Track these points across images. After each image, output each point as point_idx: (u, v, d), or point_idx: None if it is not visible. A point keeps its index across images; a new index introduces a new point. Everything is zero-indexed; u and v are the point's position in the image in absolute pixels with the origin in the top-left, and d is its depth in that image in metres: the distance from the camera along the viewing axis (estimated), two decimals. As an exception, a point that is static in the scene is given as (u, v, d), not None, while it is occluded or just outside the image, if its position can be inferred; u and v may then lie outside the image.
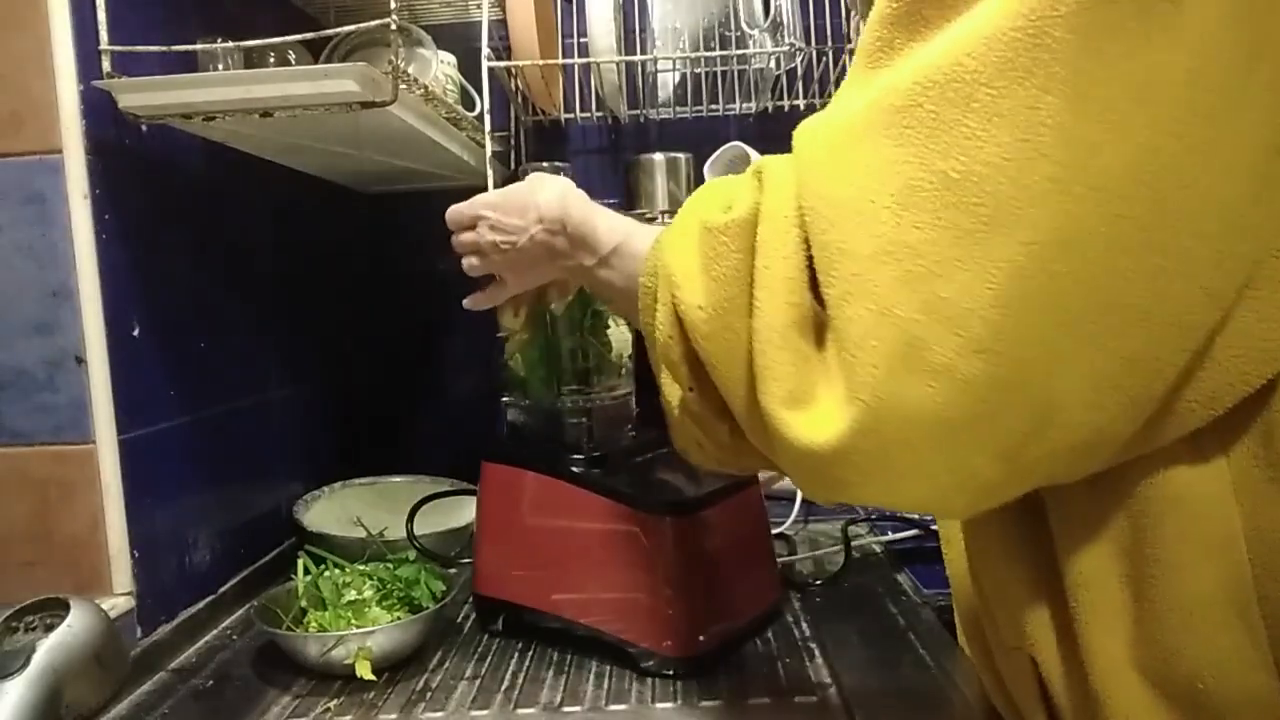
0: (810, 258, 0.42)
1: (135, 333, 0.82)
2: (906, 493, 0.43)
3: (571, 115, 1.27)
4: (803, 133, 0.45)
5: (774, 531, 1.03)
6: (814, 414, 0.41)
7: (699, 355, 0.48)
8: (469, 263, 0.73)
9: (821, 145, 0.42)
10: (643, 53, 1.25)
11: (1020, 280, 0.36)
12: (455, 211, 0.74)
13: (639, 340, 0.85)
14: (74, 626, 0.68)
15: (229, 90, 0.77)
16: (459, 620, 0.88)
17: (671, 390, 0.51)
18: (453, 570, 0.91)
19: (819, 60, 1.24)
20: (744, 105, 1.28)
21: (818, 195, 0.41)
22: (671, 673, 0.74)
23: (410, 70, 0.91)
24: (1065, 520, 0.46)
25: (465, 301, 0.77)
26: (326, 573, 0.86)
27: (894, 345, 0.38)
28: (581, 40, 1.24)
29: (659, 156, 1.17)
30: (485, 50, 1.02)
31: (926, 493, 0.42)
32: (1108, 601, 0.44)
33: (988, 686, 0.61)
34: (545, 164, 1.18)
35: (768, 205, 0.44)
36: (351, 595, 0.83)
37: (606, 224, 0.63)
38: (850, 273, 0.39)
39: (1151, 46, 0.35)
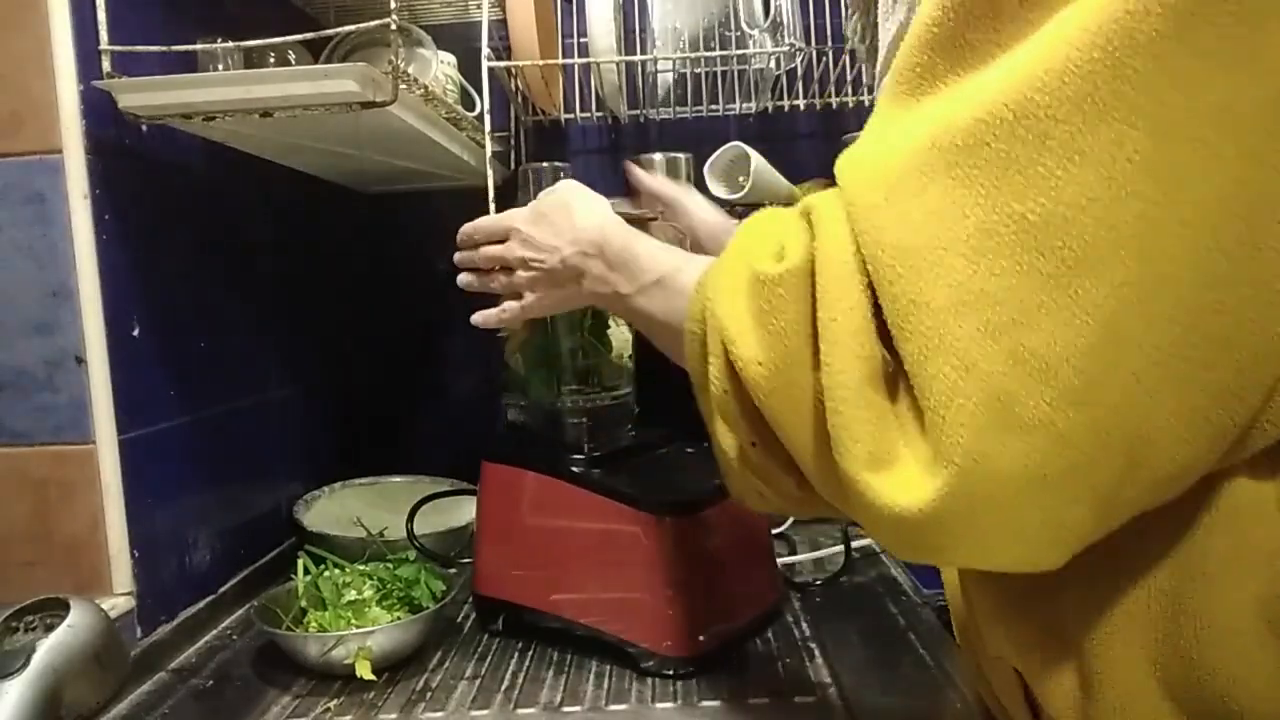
0: (875, 304, 0.40)
1: (135, 333, 0.82)
2: (1000, 553, 0.41)
3: (571, 115, 1.27)
4: (850, 170, 0.42)
5: (774, 531, 1.03)
6: (899, 477, 0.39)
7: (760, 411, 0.45)
8: (497, 281, 0.72)
9: (877, 187, 0.40)
10: (643, 53, 1.25)
11: (1113, 324, 0.34)
12: (488, 223, 0.73)
13: (639, 340, 0.85)
14: (74, 626, 0.68)
15: (229, 90, 0.77)
16: (459, 620, 0.88)
17: (727, 440, 0.49)
18: (452, 570, 0.91)
19: (819, 60, 1.24)
20: (744, 105, 1.28)
21: (881, 243, 0.39)
22: (671, 672, 0.74)
23: (410, 70, 0.91)
24: (1105, 539, 0.43)
25: (475, 318, 0.75)
26: (326, 573, 0.86)
27: (982, 402, 0.36)
28: (581, 40, 1.24)
29: (659, 156, 1.16)
30: (485, 50, 1.02)
31: (1020, 551, 0.40)
32: (1136, 614, 0.43)
33: (981, 689, 0.61)
34: (545, 164, 1.18)
35: (824, 251, 0.42)
36: (351, 595, 0.83)
37: (649, 252, 0.61)
38: (927, 327, 0.37)
39: (1234, 72, 0.33)
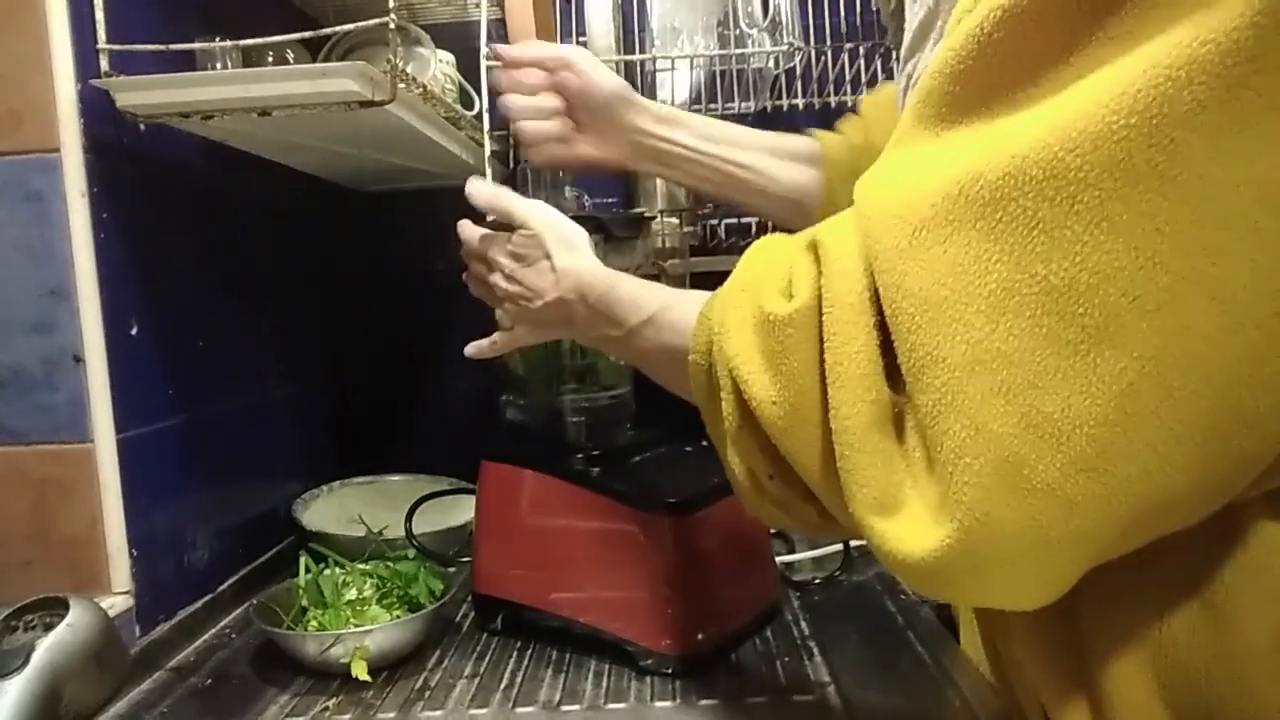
0: (883, 343, 0.40)
1: (133, 331, 0.82)
2: (997, 598, 0.41)
3: (570, 114, 1.27)
4: (874, 206, 0.41)
5: (773, 530, 1.03)
6: (905, 523, 0.39)
7: (775, 447, 0.45)
8: (488, 298, 0.71)
9: (903, 230, 0.38)
10: (642, 52, 1.25)
11: (1132, 397, 0.34)
12: (467, 240, 0.71)
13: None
14: (73, 625, 0.68)
15: (227, 89, 0.76)
16: (458, 619, 0.88)
17: (741, 470, 0.49)
18: (451, 569, 0.91)
19: (818, 60, 1.24)
20: (743, 105, 1.28)
21: (901, 289, 0.38)
22: (670, 671, 0.74)
23: (409, 69, 0.91)
24: (1122, 562, 0.42)
25: (468, 349, 0.74)
26: (326, 571, 0.86)
27: (991, 462, 0.35)
28: (581, 39, 1.24)
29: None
30: (484, 49, 1.02)
31: (1017, 596, 0.40)
32: (1149, 640, 0.43)
33: (998, 689, 0.61)
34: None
35: (832, 290, 0.41)
36: (351, 594, 0.83)
37: (630, 295, 0.60)
38: (941, 382, 0.37)
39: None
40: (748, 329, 0.45)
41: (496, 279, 0.69)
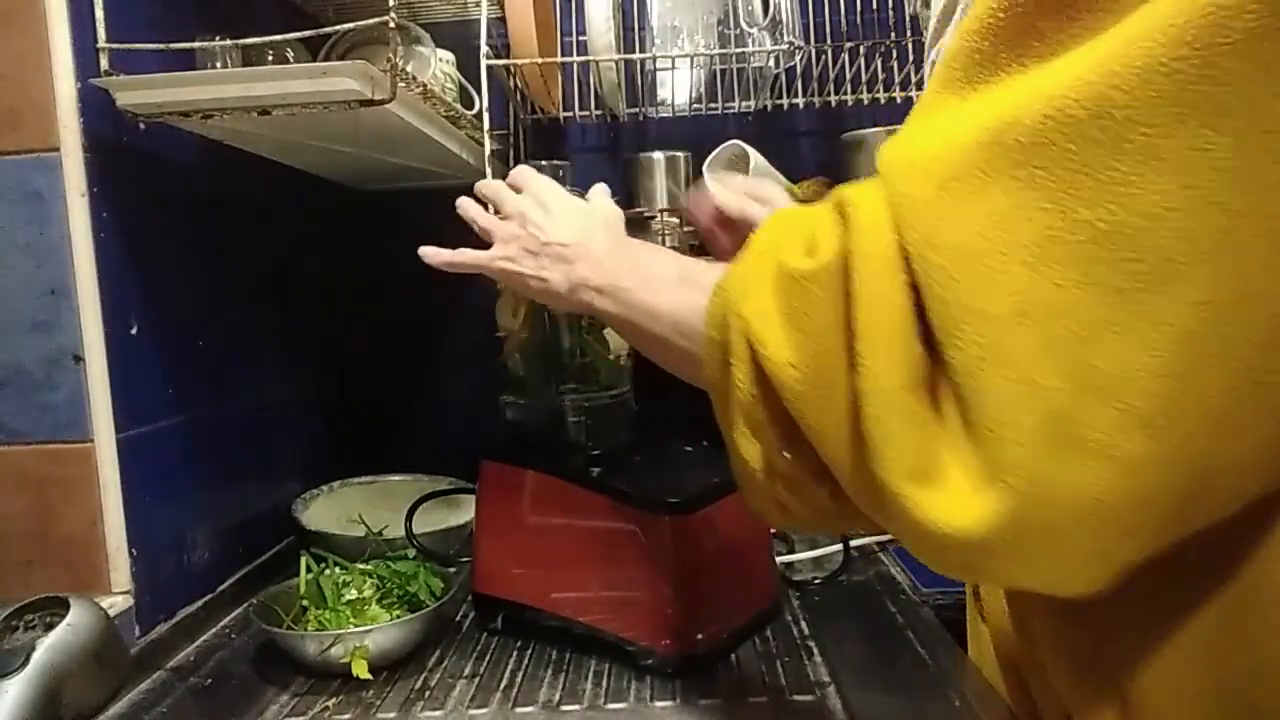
0: (916, 304, 0.37)
1: (133, 331, 0.82)
2: (1041, 577, 0.38)
3: (570, 113, 1.27)
4: (896, 161, 0.39)
5: (773, 530, 1.03)
6: (946, 494, 0.36)
7: (792, 417, 0.42)
8: (483, 221, 0.69)
9: (928, 180, 0.37)
10: (641, 51, 1.25)
11: (1188, 345, 0.32)
12: (500, 190, 0.69)
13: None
14: (73, 625, 0.68)
15: (227, 88, 0.76)
16: (458, 619, 0.88)
17: (751, 450, 0.45)
18: (451, 569, 0.91)
19: (818, 58, 1.24)
20: (743, 103, 1.28)
21: (931, 242, 0.36)
22: (670, 671, 0.74)
23: (409, 68, 0.91)
24: (1157, 563, 0.39)
25: (423, 250, 0.72)
26: (327, 571, 0.86)
27: (1040, 420, 0.33)
28: (580, 38, 1.24)
29: (658, 155, 1.17)
30: (484, 48, 1.02)
31: (1062, 577, 0.38)
32: (1186, 644, 0.40)
33: (1010, 693, 0.60)
34: (544, 162, 1.18)
35: (861, 245, 0.38)
36: (351, 594, 0.83)
37: (663, 251, 0.59)
38: (982, 336, 0.34)
39: None
40: (766, 289, 0.42)
41: (520, 200, 0.66)
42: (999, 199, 0.34)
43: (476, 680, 0.75)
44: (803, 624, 0.84)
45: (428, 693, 0.73)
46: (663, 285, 0.56)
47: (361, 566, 0.87)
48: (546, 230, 0.64)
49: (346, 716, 0.70)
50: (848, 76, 1.23)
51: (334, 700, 0.72)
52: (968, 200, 0.35)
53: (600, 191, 0.70)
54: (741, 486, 0.49)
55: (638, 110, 1.28)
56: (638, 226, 0.93)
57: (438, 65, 1.06)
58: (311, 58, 1.01)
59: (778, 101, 1.27)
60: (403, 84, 0.80)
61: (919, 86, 1.20)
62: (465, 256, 0.70)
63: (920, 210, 0.37)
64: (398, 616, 0.80)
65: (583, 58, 1.17)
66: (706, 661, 0.75)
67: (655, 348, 0.57)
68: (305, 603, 0.82)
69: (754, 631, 0.82)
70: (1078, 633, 0.45)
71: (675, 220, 1.14)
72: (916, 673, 0.73)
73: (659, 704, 0.70)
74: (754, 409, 0.44)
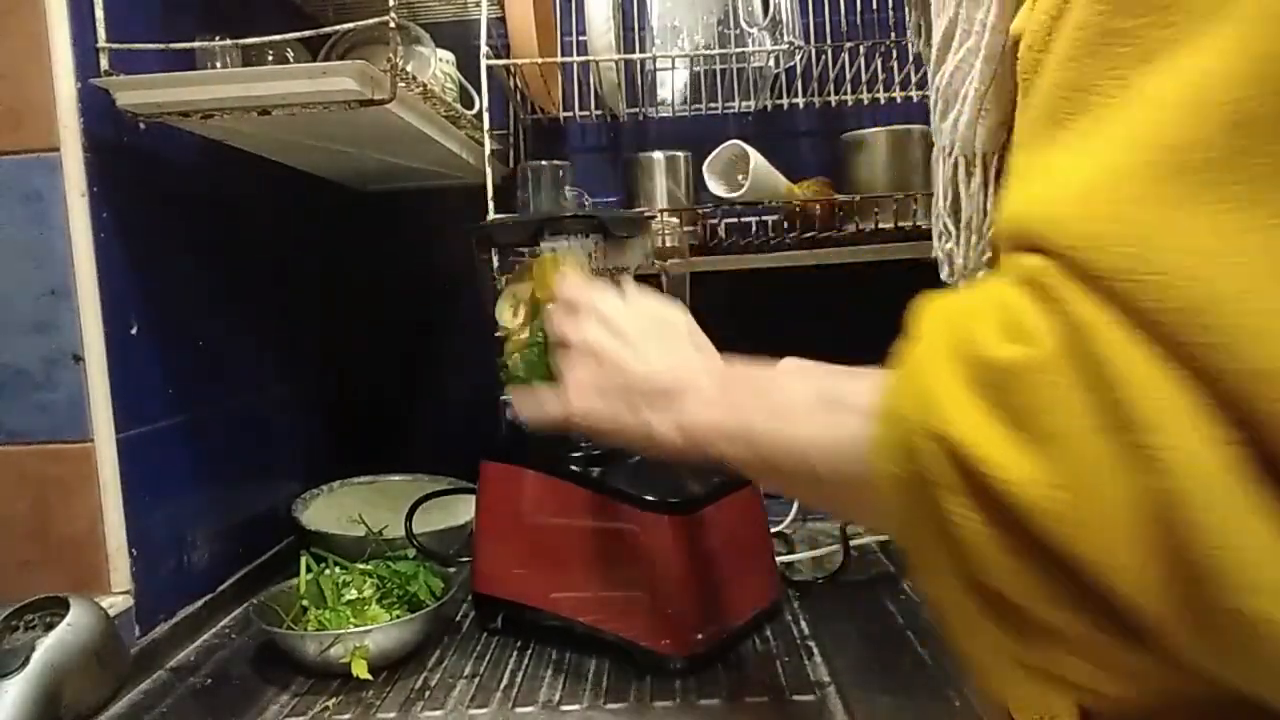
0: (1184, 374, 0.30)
1: (133, 331, 0.82)
2: None
3: (570, 113, 1.27)
4: (1060, 223, 0.31)
5: (773, 530, 1.03)
6: None
7: (1060, 554, 0.30)
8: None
9: (1125, 239, 0.29)
10: (641, 51, 1.25)
11: None
12: (573, 307, 0.59)
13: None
14: (74, 625, 0.68)
15: (227, 88, 0.76)
16: (458, 619, 0.88)
17: (997, 612, 0.32)
18: (451, 569, 0.91)
19: (818, 58, 1.24)
20: (743, 104, 1.28)
21: (1164, 303, 0.29)
22: (670, 671, 0.74)
23: (409, 68, 0.91)
24: None
25: (519, 411, 0.63)
26: (327, 571, 0.86)
27: None
28: (580, 38, 1.24)
29: (658, 155, 1.17)
30: (484, 48, 1.02)
31: None
32: None
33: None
34: (544, 162, 1.18)
35: (1083, 317, 0.30)
36: (351, 594, 0.83)
37: (772, 376, 0.47)
38: None
39: None
40: (959, 396, 0.32)
41: (582, 324, 0.56)
42: (1211, 232, 0.28)
43: (476, 680, 0.75)
44: (803, 624, 0.84)
45: (428, 693, 0.73)
46: (801, 414, 0.44)
47: (361, 566, 0.87)
48: (630, 365, 0.53)
49: (346, 716, 0.70)
50: (848, 76, 1.23)
51: (334, 700, 0.72)
52: (1183, 244, 0.29)
53: (648, 292, 0.59)
54: (982, 675, 0.35)
55: (638, 110, 1.28)
56: (638, 226, 0.92)
57: (438, 65, 1.06)
58: (311, 58, 1.01)
59: (778, 101, 1.27)
60: (403, 84, 0.80)
61: (919, 86, 1.20)
62: (544, 418, 0.60)
63: (1136, 269, 0.29)
64: (398, 616, 0.80)
65: (583, 58, 1.17)
66: (706, 661, 0.75)
67: (805, 493, 0.48)
68: (305, 603, 0.82)
69: (754, 631, 0.82)
70: None
71: (675, 220, 1.14)
72: (916, 673, 0.73)
73: (659, 704, 0.70)
74: (994, 555, 0.32)
